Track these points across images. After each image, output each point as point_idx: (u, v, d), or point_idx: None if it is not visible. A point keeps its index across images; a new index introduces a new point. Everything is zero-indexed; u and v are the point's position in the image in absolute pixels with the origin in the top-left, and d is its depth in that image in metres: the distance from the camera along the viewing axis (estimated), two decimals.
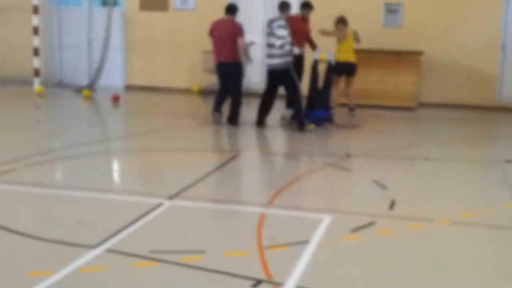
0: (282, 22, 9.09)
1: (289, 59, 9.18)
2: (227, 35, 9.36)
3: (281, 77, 9.27)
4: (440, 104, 12.27)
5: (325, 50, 10.00)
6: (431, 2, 12.37)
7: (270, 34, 9.22)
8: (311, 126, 9.23)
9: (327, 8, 11.41)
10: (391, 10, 12.60)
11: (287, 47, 9.03)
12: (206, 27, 13.37)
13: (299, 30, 10.04)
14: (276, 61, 9.18)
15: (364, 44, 11.88)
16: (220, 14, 13.27)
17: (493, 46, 12.14)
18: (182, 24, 13.70)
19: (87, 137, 8.78)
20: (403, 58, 12.05)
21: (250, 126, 9.66)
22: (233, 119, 9.51)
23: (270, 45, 9.22)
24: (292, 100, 9.48)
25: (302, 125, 9.16)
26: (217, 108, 9.67)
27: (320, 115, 9.51)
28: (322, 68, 9.98)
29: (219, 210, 5.42)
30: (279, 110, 10.36)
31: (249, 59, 9.84)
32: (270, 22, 9.32)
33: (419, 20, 12.43)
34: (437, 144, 8.70)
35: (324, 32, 10.67)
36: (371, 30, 12.50)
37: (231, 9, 9.63)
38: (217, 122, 9.51)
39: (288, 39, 9.08)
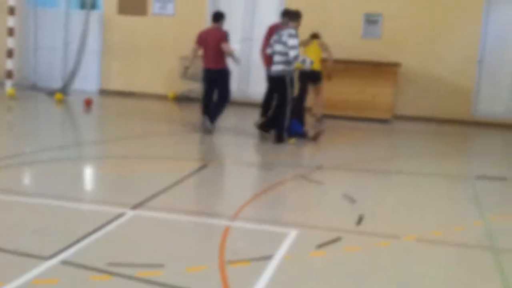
0: (293, 31, 8.99)
1: (289, 68, 9.06)
2: (212, 43, 9.53)
3: (276, 84, 9.19)
4: (416, 117, 12.27)
5: (302, 58, 9.86)
6: (411, 14, 12.39)
7: (278, 41, 9.09)
8: (292, 140, 9.13)
9: (307, 19, 11.30)
10: (370, 21, 12.60)
11: (292, 54, 8.86)
12: (184, 33, 13.37)
13: None
14: (276, 68, 9.11)
15: (343, 55, 11.88)
16: (199, 20, 13.25)
17: (470, 60, 12.19)
18: (160, 29, 13.59)
19: (56, 142, 8.61)
20: (381, 69, 12.04)
21: (226, 134, 9.56)
22: (212, 119, 9.58)
23: (277, 53, 9.09)
24: (278, 110, 9.30)
25: (280, 138, 9.04)
26: (206, 110, 9.73)
27: (295, 129, 9.37)
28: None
29: (183, 221, 5.28)
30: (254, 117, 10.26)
31: (237, 60, 9.88)
32: (279, 31, 9.21)
33: (398, 31, 12.45)
34: (411, 158, 8.65)
35: None
36: (350, 41, 12.50)
37: (217, 17, 9.76)
38: (205, 127, 9.60)
39: (298, 49, 8.96)
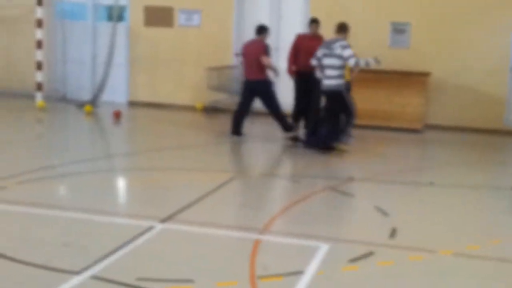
0: (344, 43, 9.02)
1: (343, 80, 9.09)
2: (253, 55, 9.74)
3: (333, 99, 9.15)
4: (447, 127, 12.05)
5: (365, 61, 9.64)
6: (439, 23, 12.20)
7: (329, 55, 9.06)
8: (342, 147, 9.16)
9: (332, 28, 11.20)
10: (398, 30, 12.44)
11: (353, 62, 8.86)
12: (210, 44, 13.37)
13: (309, 48, 9.89)
14: (330, 82, 9.07)
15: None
16: (225, 32, 13.25)
17: (502, 69, 11.94)
18: (186, 41, 13.59)
19: (85, 154, 8.61)
20: (410, 79, 11.85)
21: (255, 144, 9.50)
22: (287, 129, 9.77)
23: (328, 66, 9.06)
24: (331, 120, 9.23)
25: (329, 146, 9.09)
26: (236, 130, 9.92)
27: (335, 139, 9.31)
28: None
29: (213, 235, 5.20)
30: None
31: (276, 73, 9.95)
32: (329, 44, 9.16)
33: (426, 40, 12.25)
34: (443, 169, 8.47)
35: None
36: (377, 50, 12.32)
37: (260, 30, 9.98)
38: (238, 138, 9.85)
39: (355, 57, 8.96)
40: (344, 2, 12.59)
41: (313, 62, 9.26)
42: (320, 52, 9.15)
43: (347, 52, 8.86)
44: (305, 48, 10.02)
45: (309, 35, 10.27)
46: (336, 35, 9.23)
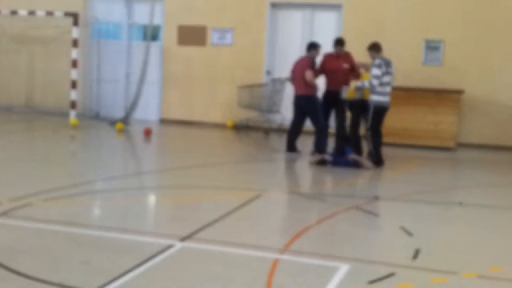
0: (390, 62, 9.48)
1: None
2: (300, 70, 10.05)
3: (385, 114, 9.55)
4: (481, 145, 11.84)
5: (357, 86, 9.68)
6: (474, 40, 12.04)
7: (387, 73, 9.34)
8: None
9: (365, 45, 11.12)
10: (431, 47, 12.31)
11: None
12: (242, 62, 13.45)
13: (333, 68, 9.99)
14: (389, 99, 9.48)
15: (404, 82, 11.63)
16: (257, 50, 13.32)
17: None
18: (218, 59, 13.70)
19: (113, 172, 8.71)
20: (444, 96, 11.70)
21: (282, 162, 9.46)
22: (318, 150, 9.84)
23: (387, 84, 9.36)
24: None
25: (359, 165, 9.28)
26: (290, 148, 10.21)
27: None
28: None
29: (232, 254, 5.17)
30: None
31: (315, 88, 10.12)
32: (388, 62, 9.43)
33: (460, 58, 12.11)
34: (474, 189, 8.30)
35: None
36: (410, 67, 12.23)
37: (309, 47, 10.29)
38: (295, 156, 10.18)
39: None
40: (377, 19, 12.55)
41: (365, 84, 9.45)
42: (381, 71, 9.30)
43: (393, 71, 9.59)
44: (330, 68, 10.08)
45: (334, 55, 10.26)
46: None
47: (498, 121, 11.90)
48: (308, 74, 9.87)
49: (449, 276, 4.78)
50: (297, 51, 12.90)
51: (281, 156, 10.37)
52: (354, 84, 10.08)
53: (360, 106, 9.64)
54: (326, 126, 9.98)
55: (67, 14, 13.22)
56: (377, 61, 9.27)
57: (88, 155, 10.34)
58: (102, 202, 6.92)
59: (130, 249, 5.23)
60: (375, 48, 9.48)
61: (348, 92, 9.78)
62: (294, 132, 10.29)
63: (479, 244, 5.82)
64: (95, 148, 11.15)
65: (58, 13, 13.29)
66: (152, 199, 7.41)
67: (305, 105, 10.08)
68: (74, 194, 7.03)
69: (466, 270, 4.91)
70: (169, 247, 5.18)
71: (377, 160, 9.40)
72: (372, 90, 9.27)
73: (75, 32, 13.10)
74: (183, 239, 5.41)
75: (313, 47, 10.20)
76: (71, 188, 7.26)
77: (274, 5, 13.44)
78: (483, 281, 4.75)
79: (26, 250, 5.10)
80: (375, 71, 9.22)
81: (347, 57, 10.23)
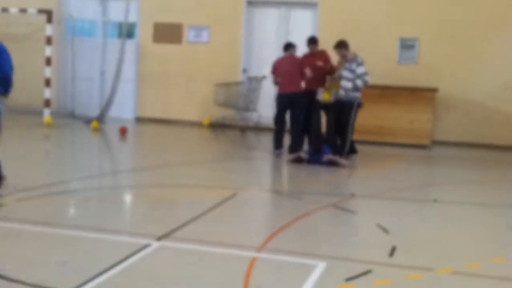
0: (360, 60, 9.55)
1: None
2: (291, 68, 10.03)
3: None
4: (456, 143, 11.96)
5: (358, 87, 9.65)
6: (448, 39, 12.15)
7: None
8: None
9: None
10: (406, 46, 12.40)
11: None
12: (219, 60, 13.41)
13: (308, 67, 9.98)
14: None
15: (379, 80, 11.70)
16: (233, 48, 13.29)
17: (511, 85, 11.84)
18: (194, 57, 13.65)
19: (89, 171, 8.62)
20: (418, 94, 11.79)
21: (259, 161, 9.45)
22: (295, 147, 9.84)
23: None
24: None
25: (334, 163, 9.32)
26: (278, 146, 10.09)
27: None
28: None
29: (208, 253, 5.15)
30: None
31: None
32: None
33: (435, 56, 12.21)
34: (449, 186, 8.39)
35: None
36: (385, 66, 12.31)
37: (287, 46, 10.30)
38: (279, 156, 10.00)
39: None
40: (352, 18, 12.60)
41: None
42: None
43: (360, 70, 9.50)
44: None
45: (308, 55, 10.32)
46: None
47: (472, 118, 12.04)
48: (308, 71, 9.88)
49: (425, 273, 4.83)
50: (273, 49, 12.92)
51: (258, 154, 10.37)
52: (334, 86, 9.95)
53: (335, 107, 9.64)
54: (303, 124, 9.98)
55: (40, 11, 13.05)
56: (359, 59, 9.31)
57: (62, 154, 10.23)
58: (77, 202, 6.85)
59: (106, 248, 5.19)
60: (345, 45, 9.49)
61: (323, 95, 9.76)
62: (282, 129, 10.19)
63: (455, 240, 5.87)
64: (69, 147, 11.04)
65: (32, 10, 13.11)
66: (128, 198, 7.36)
67: (298, 101, 9.95)
68: (48, 194, 6.95)
69: (441, 266, 4.96)
70: (145, 246, 5.15)
71: (353, 149, 9.65)
72: (358, 88, 9.29)
73: (49, 30, 12.94)
74: (159, 238, 5.38)
75: (291, 46, 10.23)
76: (45, 188, 7.17)
77: (250, 3, 13.42)
78: (459, 277, 4.80)
79: (0, 251, 5.03)
80: (363, 69, 9.28)
81: (321, 55, 10.25)
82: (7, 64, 6.63)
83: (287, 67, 10.07)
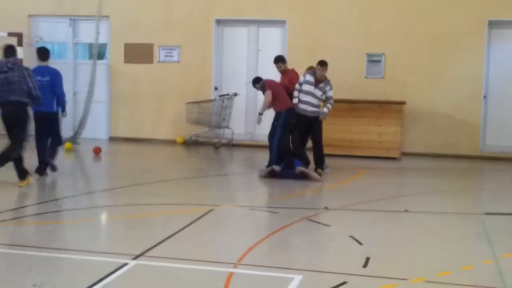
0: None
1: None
2: (281, 86, 9.96)
3: None
4: (424, 154, 12.22)
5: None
6: (413, 53, 12.45)
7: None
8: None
9: (310, 60, 11.34)
10: (373, 60, 12.66)
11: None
12: (190, 79, 13.52)
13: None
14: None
15: (347, 94, 11.91)
16: (204, 67, 13.39)
17: (475, 96, 12.18)
18: (165, 76, 13.74)
19: (63, 192, 8.63)
20: (386, 108, 12.04)
21: (235, 177, 9.52)
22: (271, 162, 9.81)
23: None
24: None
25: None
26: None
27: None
28: None
29: (186, 270, 5.21)
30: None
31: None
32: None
33: (400, 70, 12.49)
34: (418, 196, 8.57)
35: None
36: (354, 80, 12.55)
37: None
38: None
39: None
40: (320, 35, 12.83)
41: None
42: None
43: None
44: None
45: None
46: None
47: (439, 130, 12.32)
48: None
49: (399, 282, 4.95)
50: (243, 67, 13.09)
51: (233, 170, 10.47)
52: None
53: (301, 122, 9.83)
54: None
55: (10, 34, 13.04)
56: (331, 84, 9.96)
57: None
58: (53, 223, 6.85)
59: (82, 269, 5.22)
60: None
61: None
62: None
63: (426, 250, 6.02)
64: None
65: (2, 33, 13.09)
66: (103, 218, 7.38)
67: (291, 117, 9.82)
68: (22, 216, 6.95)
69: (414, 275, 5.09)
70: (122, 265, 5.19)
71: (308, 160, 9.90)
72: (319, 106, 9.91)
73: (20, 52, 12.89)
74: (136, 257, 5.42)
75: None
76: (19, 210, 7.16)
77: (219, 22, 13.58)
78: (431, 286, 4.92)
79: None
80: (332, 93, 9.92)
81: (288, 73, 10.28)
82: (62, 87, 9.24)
83: (280, 86, 10.00)
